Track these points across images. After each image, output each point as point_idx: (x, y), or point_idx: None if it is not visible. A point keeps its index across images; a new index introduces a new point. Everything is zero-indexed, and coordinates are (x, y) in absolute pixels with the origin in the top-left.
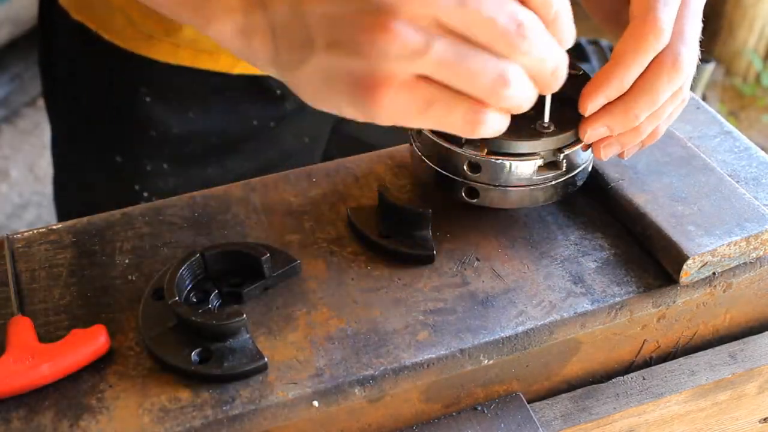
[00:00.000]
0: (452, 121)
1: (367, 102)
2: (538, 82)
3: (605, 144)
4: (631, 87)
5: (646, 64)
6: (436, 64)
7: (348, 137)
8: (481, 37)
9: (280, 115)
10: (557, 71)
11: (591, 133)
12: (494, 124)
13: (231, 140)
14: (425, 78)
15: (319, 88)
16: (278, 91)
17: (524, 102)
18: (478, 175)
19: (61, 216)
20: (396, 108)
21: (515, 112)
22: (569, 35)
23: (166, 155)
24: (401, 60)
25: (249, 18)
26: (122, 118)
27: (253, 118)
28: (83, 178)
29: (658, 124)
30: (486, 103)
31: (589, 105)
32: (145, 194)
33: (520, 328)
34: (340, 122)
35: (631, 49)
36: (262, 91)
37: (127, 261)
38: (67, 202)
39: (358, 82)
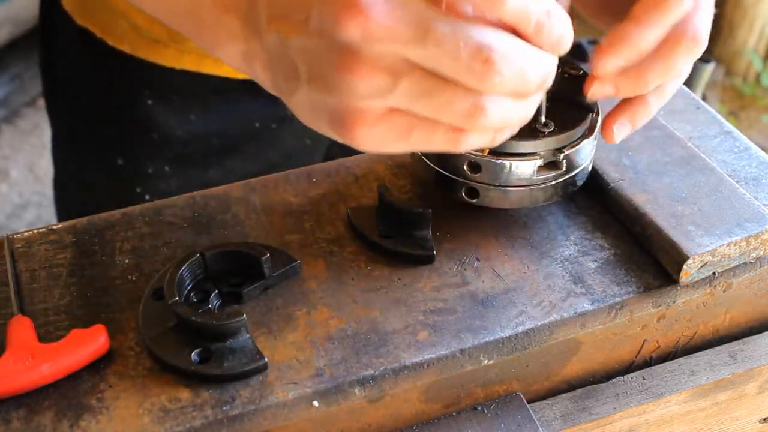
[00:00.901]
0: (435, 143)
1: (346, 135)
2: (522, 96)
3: (618, 124)
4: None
5: (667, 28)
6: (406, 99)
7: None
8: (448, 73)
9: (282, 117)
10: (543, 83)
11: (596, 89)
12: (479, 142)
13: (232, 141)
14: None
15: (309, 117)
16: None
17: (511, 121)
18: (478, 175)
19: (62, 217)
20: (375, 138)
21: (506, 132)
22: (560, 40)
23: (168, 157)
24: (370, 97)
25: (249, 45)
26: (123, 120)
27: (255, 119)
28: (84, 179)
29: (661, 100)
30: (464, 129)
31: (602, 67)
32: (147, 196)
33: (520, 328)
34: None
35: (653, 6)
36: (263, 92)
37: (127, 261)
38: (67, 203)
39: (335, 117)
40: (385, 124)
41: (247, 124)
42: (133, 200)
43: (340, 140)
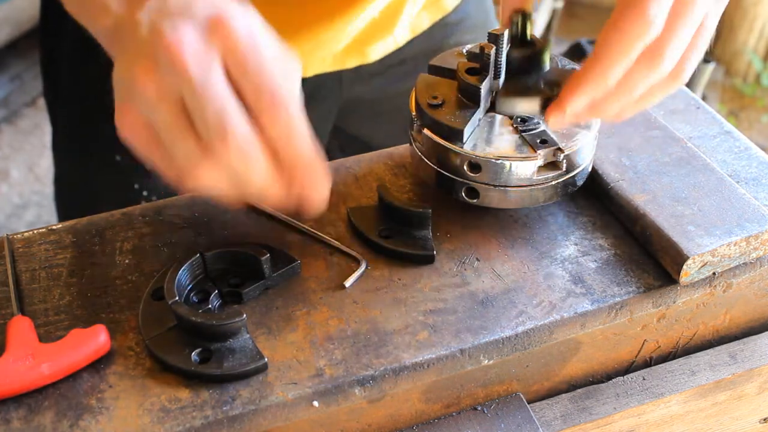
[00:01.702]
0: (169, 175)
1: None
2: (236, 187)
3: (563, 113)
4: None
5: (631, 61)
6: (160, 124)
7: (348, 137)
8: (197, 122)
9: None
10: (259, 192)
11: (557, 122)
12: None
13: None
14: None
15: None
16: None
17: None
18: (478, 175)
19: (62, 216)
20: (130, 137)
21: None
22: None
23: None
24: (141, 104)
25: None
26: None
27: None
28: (83, 177)
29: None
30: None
31: (570, 107)
32: (145, 193)
33: (520, 328)
34: (340, 122)
35: (613, 41)
36: None
37: (127, 261)
38: (67, 201)
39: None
40: (141, 131)
41: None
42: (132, 197)
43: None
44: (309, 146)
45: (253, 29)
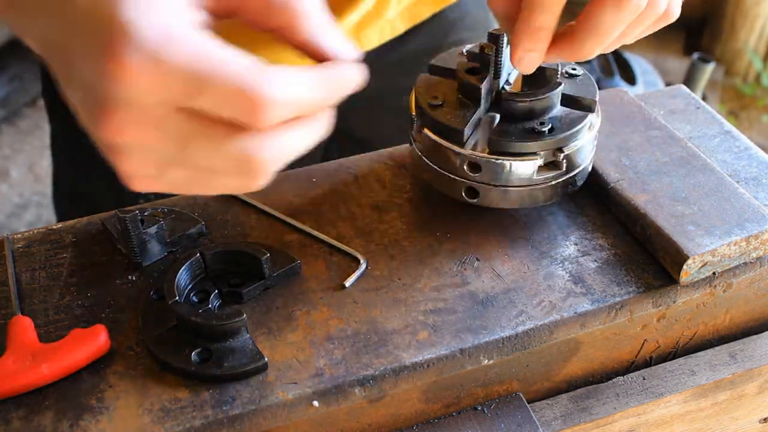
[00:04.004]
0: (219, 188)
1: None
2: (308, 117)
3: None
4: (577, 21)
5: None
6: (175, 153)
7: (348, 137)
8: (223, 113)
9: None
10: (333, 94)
11: (526, 58)
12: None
13: None
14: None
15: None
16: None
17: (293, 152)
18: (478, 174)
19: (60, 215)
20: (155, 188)
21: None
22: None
23: None
24: (140, 157)
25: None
26: None
27: None
28: (81, 176)
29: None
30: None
31: (518, 64)
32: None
33: (520, 328)
34: (340, 122)
35: None
36: None
37: (127, 261)
38: (65, 200)
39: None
40: (160, 183)
41: None
42: (129, 196)
43: None
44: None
45: None
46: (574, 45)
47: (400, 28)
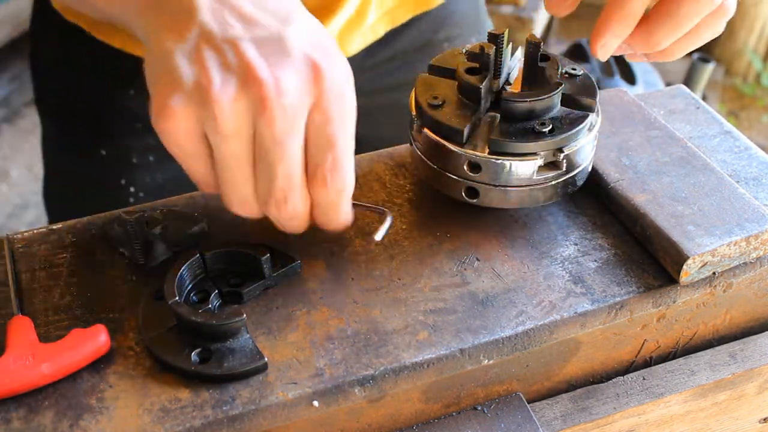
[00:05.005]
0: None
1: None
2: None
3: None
4: (652, 10)
5: None
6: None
7: None
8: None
9: None
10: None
11: (605, 46)
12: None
13: None
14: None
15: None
16: None
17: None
18: (478, 174)
19: (51, 214)
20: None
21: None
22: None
23: (151, 146)
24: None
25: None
26: (106, 111)
27: None
28: (70, 174)
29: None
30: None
31: (600, 50)
32: (132, 189)
33: (520, 328)
34: None
35: None
36: None
37: (126, 261)
38: (55, 199)
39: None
40: (192, 142)
41: None
42: (118, 194)
43: None
44: (349, 206)
45: (347, 78)
46: (648, 34)
47: (381, 32)
